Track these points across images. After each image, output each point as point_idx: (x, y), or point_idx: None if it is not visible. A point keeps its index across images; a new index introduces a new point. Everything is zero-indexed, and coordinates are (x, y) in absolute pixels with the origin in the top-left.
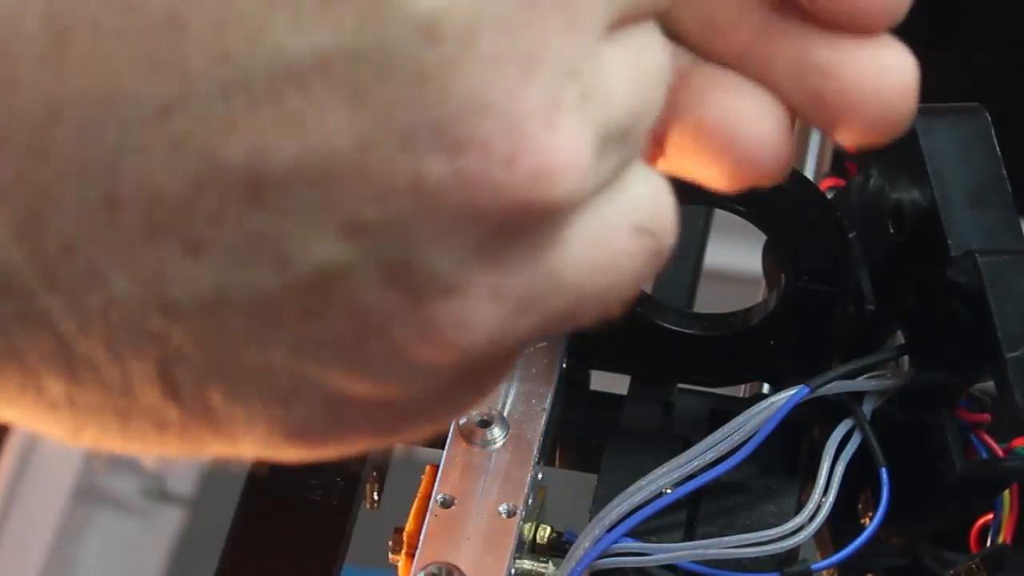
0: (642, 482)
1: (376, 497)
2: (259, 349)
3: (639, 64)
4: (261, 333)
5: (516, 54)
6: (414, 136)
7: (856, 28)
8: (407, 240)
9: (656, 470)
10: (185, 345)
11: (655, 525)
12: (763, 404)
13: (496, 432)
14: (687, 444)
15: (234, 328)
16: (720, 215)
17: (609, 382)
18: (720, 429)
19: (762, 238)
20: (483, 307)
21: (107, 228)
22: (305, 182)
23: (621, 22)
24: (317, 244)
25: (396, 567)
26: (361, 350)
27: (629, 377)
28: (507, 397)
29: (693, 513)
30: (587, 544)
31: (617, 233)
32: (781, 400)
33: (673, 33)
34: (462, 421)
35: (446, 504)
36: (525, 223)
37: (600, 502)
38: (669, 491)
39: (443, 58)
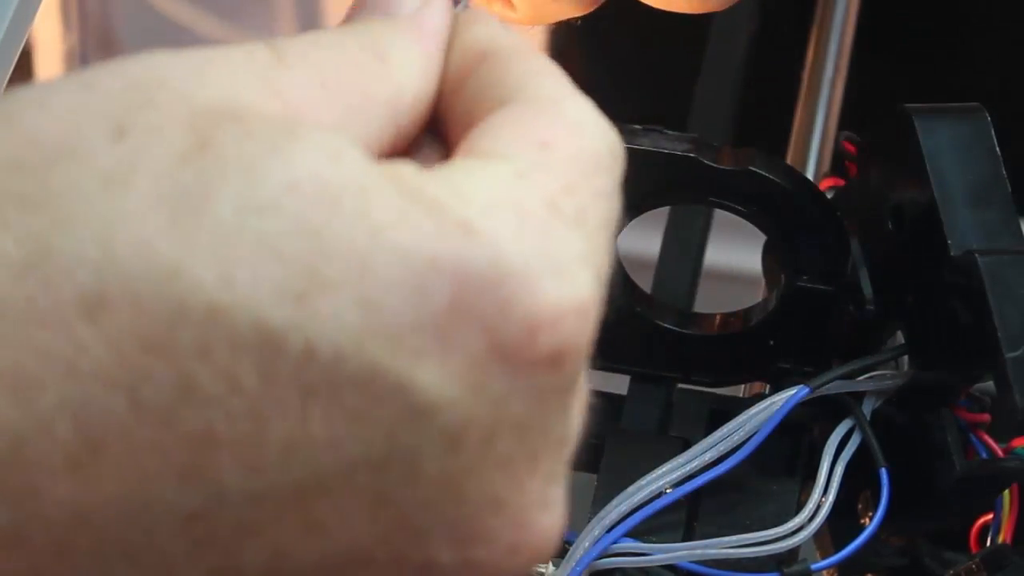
0: (642, 482)
1: None
2: None
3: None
4: None
5: (525, 451)
6: (429, 533)
7: None
8: None
9: (656, 470)
10: None
11: (655, 525)
12: (763, 404)
13: None
14: (687, 444)
15: None
16: (720, 215)
17: (609, 382)
18: (720, 429)
19: (762, 238)
20: None
21: None
22: (324, 574)
23: None
24: None
25: None
26: None
27: (629, 377)
28: None
29: (693, 513)
30: (587, 544)
31: None
32: (781, 400)
33: None
34: None
35: None
36: None
37: (600, 502)
38: (669, 491)
39: (463, 464)
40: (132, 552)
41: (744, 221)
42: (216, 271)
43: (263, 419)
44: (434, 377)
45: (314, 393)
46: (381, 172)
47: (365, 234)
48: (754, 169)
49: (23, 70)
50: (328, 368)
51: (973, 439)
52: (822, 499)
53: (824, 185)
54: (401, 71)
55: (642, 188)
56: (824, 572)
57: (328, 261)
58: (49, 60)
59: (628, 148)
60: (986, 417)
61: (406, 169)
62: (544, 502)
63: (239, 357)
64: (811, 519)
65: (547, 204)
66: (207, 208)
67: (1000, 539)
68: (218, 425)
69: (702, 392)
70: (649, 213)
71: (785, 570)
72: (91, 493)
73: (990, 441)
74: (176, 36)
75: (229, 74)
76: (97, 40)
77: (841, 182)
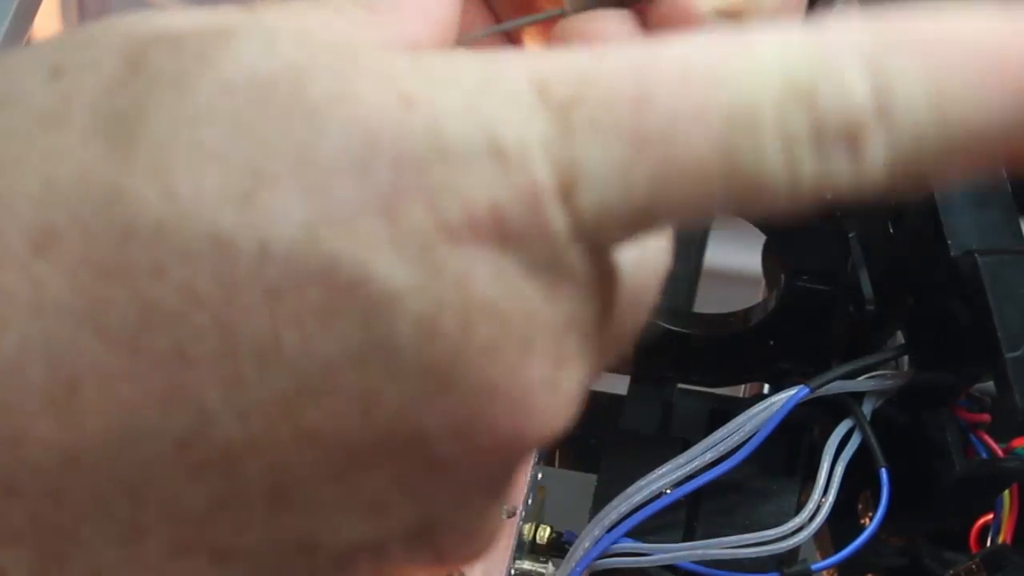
0: (642, 482)
1: None
2: None
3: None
4: None
5: (512, 336)
6: (425, 426)
7: None
8: (427, 509)
9: (656, 470)
10: None
11: (655, 525)
12: (763, 404)
13: None
14: (687, 444)
15: None
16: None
17: (609, 382)
18: (720, 429)
19: (762, 238)
20: (493, 533)
21: (132, 554)
22: (327, 481)
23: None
24: (341, 530)
25: None
26: None
27: (629, 377)
28: None
29: (693, 513)
30: (587, 544)
31: None
32: (781, 400)
33: None
34: None
35: None
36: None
37: (600, 502)
38: (669, 491)
39: (445, 352)
40: (130, 489)
41: (744, 221)
42: (157, 186)
43: (231, 330)
44: (391, 262)
45: (277, 295)
46: (327, 49)
47: (302, 118)
48: None
49: None
50: (285, 265)
51: (973, 439)
52: (822, 499)
53: None
54: (394, 20)
55: None
56: (824, 572)
57: (268, 155)
58: None
59: None
60: (986, 417)
61: (369, 46)
62: (551, 386)
63: (194, 269)
64: (811, 519)
65: (533, 82)
66: (142, 127)
67: (1000, 539)
68: (187, 342)
69: (702, 392)
70: None
71: (785, 570)
72: (75, 432)
73: (990, 441)
74: None
75: (181, 14)
76: None
77: None
